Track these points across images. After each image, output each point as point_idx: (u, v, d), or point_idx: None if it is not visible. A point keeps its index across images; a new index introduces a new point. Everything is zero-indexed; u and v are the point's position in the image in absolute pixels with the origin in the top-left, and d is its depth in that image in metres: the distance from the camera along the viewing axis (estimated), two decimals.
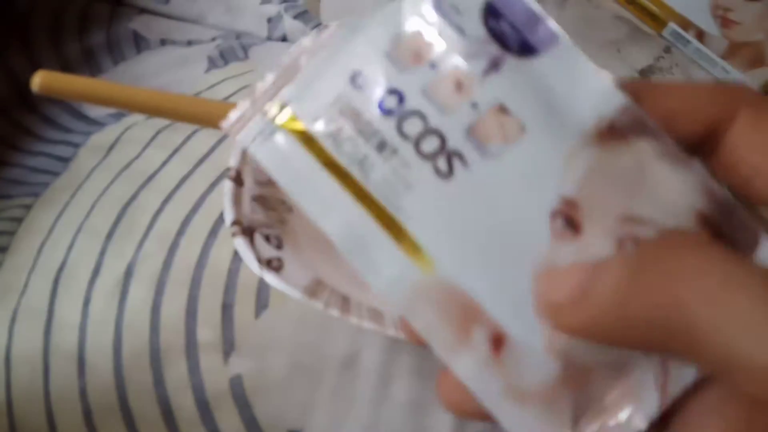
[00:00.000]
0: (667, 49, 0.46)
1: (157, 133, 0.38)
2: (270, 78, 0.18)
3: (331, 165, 0.17)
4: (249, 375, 0.30)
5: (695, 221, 0.17)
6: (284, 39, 0.45)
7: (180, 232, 0.34)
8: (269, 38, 0.45)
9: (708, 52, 0.45)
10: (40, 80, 0.25)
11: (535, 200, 0.17)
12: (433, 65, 0.17)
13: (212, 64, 0.42)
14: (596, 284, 0.15)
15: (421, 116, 0.17)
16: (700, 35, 0.46)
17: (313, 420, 0.29)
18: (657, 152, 0.17)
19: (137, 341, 0.31)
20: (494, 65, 0.17)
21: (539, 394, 0.17)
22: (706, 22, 0.45)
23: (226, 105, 0.30)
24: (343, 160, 0.17)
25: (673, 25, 0.46)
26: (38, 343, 0.32)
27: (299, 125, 0.18)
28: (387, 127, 0.17)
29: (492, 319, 0.17)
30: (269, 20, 0.46)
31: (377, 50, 0.18)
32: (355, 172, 0.17)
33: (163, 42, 0.44)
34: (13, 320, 0.32)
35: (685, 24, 0.46)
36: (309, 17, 0.46)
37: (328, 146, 0.17)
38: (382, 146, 0.17)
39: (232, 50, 0.43)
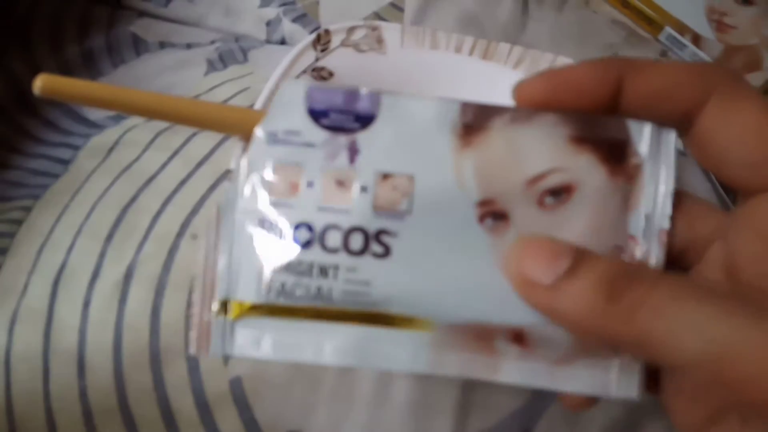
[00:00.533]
0: (664, 53, 0.47)
1: (157, 135, 0.38)
2: (198, 290, 0.20)
3: (297, 312, 0.19)
4: (249, 376, 0.30)
5: (571, 145, 0.19)
6: (283, 42, 0.45)
7: (180, 234, 0.34)
8: (268, 41, 0.45)
9: (704, 55, 0.45)
10: (41, 83, 0.25)
11: (460, 221, 0.19)
12: (309, 184, 0.19)
13: (211, 66, 0.42)
14: (565, 293, 0.17)
15: (333, 227, 0.19)
16: (696, 39, 0.46)
17: (312, 421, 0.29)
18: (509, 120, 0.19)
19: (137, 343, 0.31)
20: (353, 150, 0.19)
21: (575, 344, 0.19)
22: (701, 26, 0.46)
23: (228, 107, 0.30)
24: (303, 303, 0.19)
25: (669, 29, 0.46)
26: (38, 344, 0.32)
27: (247, 305, 0.19)
28: (316, 255, 0.19)
29: (502, 325, 0.19)
30: (268, 23, 0.46)
31: (258, 206, 0.19)
32: (320, 304, 0.19)
33: (162, 45, 0.44)
34: (12, 322, 0.32)
35: (681, 28, 0.46)
36: (308, 20, 0.46)
37: (283, 302, 0.19)
38: (324, 271, 0.19)
39: (231, 53, 0.43)
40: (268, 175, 0.19)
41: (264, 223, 0.19)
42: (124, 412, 0.30)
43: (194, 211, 0.35)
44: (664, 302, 0.16)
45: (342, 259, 0.19)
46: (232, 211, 0.20)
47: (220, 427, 0.29)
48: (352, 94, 0.19)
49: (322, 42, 0.35)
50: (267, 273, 0.19)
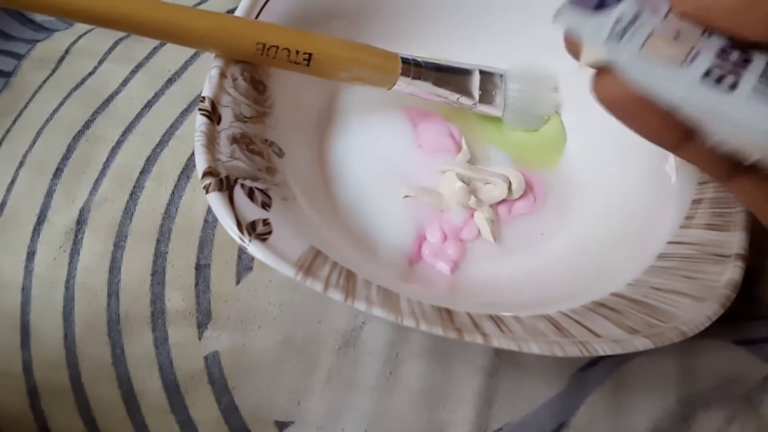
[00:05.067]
0: None
1: (116, 43, 0.31)
2: None
3: None
4: (228, 352, 0.25)
5: None
6: None
7: (144, 171, 0.28)
8: None
9: None
10: None
11: None
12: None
13: None
14: None
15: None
16: None
17: (305, 410, 0.24)
18: None
19: (92, 306, 0.26)
20: None
21: None
22: None
23: (194, 12, 0.23)
24: None
25: None
26: None
27: None
28: None
29: None
30: None
31: None
32: None
33: None
34: None
35: None
36: None
37: None
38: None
39: None
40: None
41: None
42: (77, 391, 0.25)
43: (162, 143, 0.28)
44: None
45: None
46: None
47: (193, 414, 0.24)
48: None
49: None
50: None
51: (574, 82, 0.29)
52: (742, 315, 0.28)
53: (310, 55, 0.24)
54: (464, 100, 0.27)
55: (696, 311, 0.20)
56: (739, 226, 0.22)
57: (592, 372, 0.26)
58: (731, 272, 0.21)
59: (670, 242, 0.22)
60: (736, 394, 0.26)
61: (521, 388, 0.25)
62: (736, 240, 0.21)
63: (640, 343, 0.19)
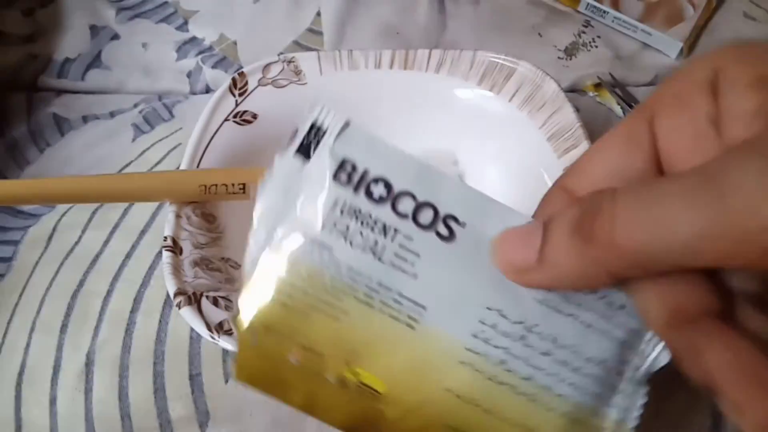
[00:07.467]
0: (587, 23, 0.46)
1: (94, 213, 0.37)
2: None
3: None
4: None
5: None
6: (207, 90, 0.45)
7: (134, 310, 0.33)
8: (192, 92, 0.44)
9: (626, 18, 0.45)
10: None
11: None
12: None
13: (138, 130, 0.41)
14: (548, 251, 0.17)
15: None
16: (616, 3, 0.46)
17: None
18: None
19: (110, 431, 0.30)
20: None
21: None
22: None
23: (147, 176, 0.29)
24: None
25: None
26: None
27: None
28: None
29: None
30: (189, 75, 0.45)
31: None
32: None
33: (86, 119, 0.43)
34: None
35: None
36: (228, 63, 0.45)
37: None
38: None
39: (156, 113, 0.42)
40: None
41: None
42: None
43: (144, 284, 0.34)
44: (630, 214, 0.15)
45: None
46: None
47: None
48: None
49: (239, 86, 0.35)
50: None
51: (469, 159, 0.35)
52: None
53: (244, 185, 0.30)
54: None
55: None
56: None
57: None
58: None
59: None
60: None
61: None
62: None
63: None
